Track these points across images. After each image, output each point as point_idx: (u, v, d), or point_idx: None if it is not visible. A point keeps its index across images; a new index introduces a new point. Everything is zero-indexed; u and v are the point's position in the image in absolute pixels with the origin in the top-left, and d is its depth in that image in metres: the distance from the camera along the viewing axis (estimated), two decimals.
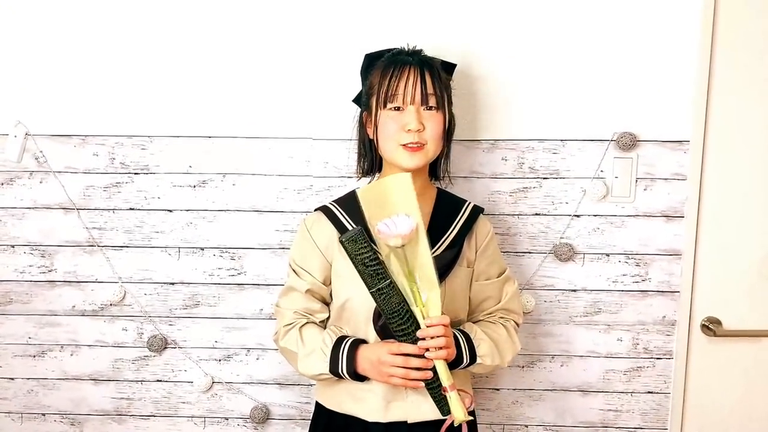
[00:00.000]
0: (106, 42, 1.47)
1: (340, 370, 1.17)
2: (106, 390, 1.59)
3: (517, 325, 1.32)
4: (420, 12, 1.44)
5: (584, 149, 1.48)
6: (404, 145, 1.18)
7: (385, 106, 1.19)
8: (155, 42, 1.47)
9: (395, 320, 1.09)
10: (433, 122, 1.19)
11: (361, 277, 1.08)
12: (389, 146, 1.20)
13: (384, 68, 1.21)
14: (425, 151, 1.20)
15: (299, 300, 1.27)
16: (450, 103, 1.26)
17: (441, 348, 1.09)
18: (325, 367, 1.18)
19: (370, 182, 1.32)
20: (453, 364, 1.15)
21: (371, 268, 1.07)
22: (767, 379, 1.54)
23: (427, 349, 1.09)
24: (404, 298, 1.09)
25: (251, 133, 1.49)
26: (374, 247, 1.09)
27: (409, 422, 1.20)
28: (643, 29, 1.43)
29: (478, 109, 1.47)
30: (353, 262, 1.08)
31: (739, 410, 1.55)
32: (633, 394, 1.56)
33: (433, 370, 1.10)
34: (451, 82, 1.30)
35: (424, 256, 1.08)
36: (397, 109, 1.19)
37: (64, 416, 1.60)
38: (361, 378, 1.18)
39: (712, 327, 1.50)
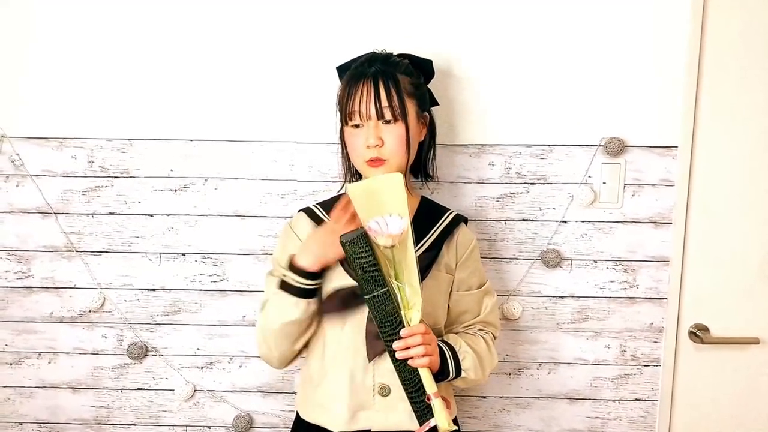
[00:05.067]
0: (85, 43, 1.44)
1: (284, 275, 1.14)
2: (85, 398, 1.55)
3: (494, 337, 1.30)
4: (407, 15, 1.42)
5: (572, 154, 1.46)
6: (368, 161, 1.19)
7: (347, 124, 1.20)
8: (135, 43, 1.44)
9: (386, 329, 1.07)
10: (392, 135, 1.18)
11: (358, 282, 1.07)
12: (357, 161, 1.22)
13: (344, 84, 1.21)
14: (388, 165, 1.18)
15: None
16: (425, 102, 1.25)
17: (423, 355, 1.07)
18: (275, 283, 1.15)
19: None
20: (438, 377, 1.14)
21: (369, 273, 1.04)
22: (754, 387, 1.54)
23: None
24: (397, 309, 1.07)
25: (234, 137, 1.46)
26: (375, 252, 1.05)
27: (373, 431, 1.18)
28: (631, 34, 1.42)
29: (465, 113, 1.45)
30: (352, 266, 1.06)
31: (726, 417, 1.55)
32: (620, 401, 1.54)
33: (418, 377, 1.08)
34: (422, 80, 1.28)
35: (411, 261, 1.06)
36: (358, 126, 1.19)
37: (42, 425, 1.56)
38: (312, 275, 1.13)
39: (699, 334, 1.49)
